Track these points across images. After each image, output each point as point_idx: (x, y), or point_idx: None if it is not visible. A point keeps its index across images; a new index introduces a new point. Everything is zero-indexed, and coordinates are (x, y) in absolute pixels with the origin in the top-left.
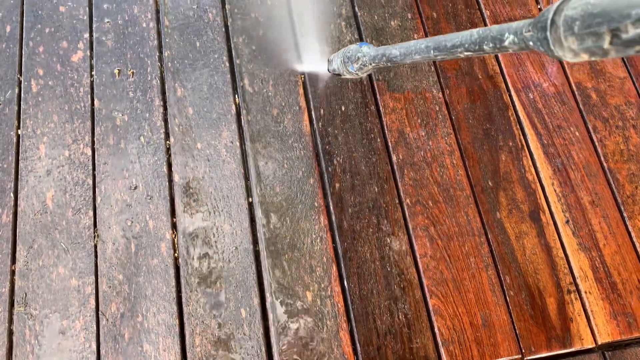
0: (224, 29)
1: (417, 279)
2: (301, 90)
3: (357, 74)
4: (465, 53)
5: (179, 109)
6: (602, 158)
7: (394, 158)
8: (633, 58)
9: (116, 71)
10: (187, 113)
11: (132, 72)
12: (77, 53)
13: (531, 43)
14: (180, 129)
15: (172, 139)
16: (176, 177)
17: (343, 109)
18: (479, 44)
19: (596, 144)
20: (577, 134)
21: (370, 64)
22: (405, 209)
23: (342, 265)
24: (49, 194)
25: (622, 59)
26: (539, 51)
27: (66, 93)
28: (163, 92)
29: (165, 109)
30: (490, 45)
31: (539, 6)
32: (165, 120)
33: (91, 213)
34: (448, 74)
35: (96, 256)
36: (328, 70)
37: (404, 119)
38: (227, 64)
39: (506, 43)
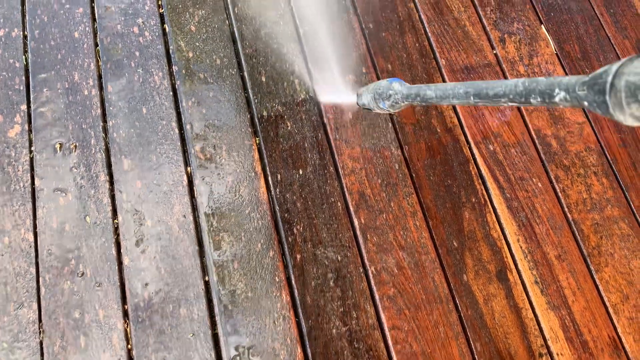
0: (171, 93)
1: (386, 354)
2: (256, 155)
3: (389, 110)
4: (510, 103)
5: (127, 184)
6: (566, 209)
7: (356, 223)
8: None
9: (57, 145)
10: (135, 187)
11: (75, 146)
12: (14, 127)
13: (586, 103)
14: (128, 205)
15: (120, 218)
16: (126, 260)
17: (301, 172)
18: (526, 97)
19: (559, 194)
20: (539, 185)
21: (403, 102)
22: (371, 277)
23: (308, 345)
24: None
25: None
26: (595, 112)
27: (3, 172)
28: (109, 166)
29: (111, 184)
30: (539, 99)
31: (494, 51)
32: (113, 197)
33: (35, 306)
34: (406, 129)
35: (42, 354)
36: (357, 103)
37: (364, 180)
38: (177, 131)
39: (557, 99)
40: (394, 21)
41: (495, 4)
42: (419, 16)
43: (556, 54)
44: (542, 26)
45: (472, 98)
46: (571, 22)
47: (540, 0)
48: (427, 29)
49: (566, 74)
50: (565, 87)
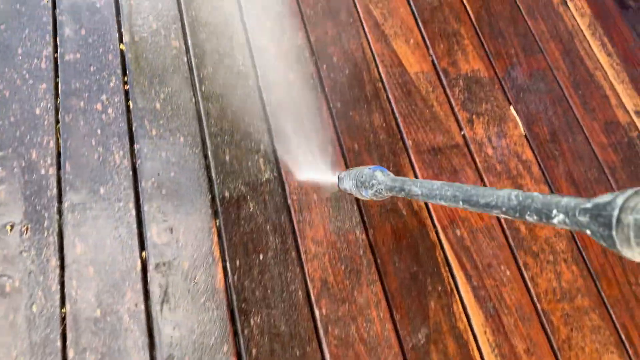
0: (131, 173)
1: None
2: (215, 238)
3: (371, 198)
4: (503, 215)
5: (78, 270)
6: (535, 298)
7: (317, 313)
8: (557, 181)
9: (8, 227)
10: (86, 274)
11: (27, 228)
12: None
13: (589, 231)
14: (77, 293)
15: (68, 306)
16: (71, 354)
17: (261, 257)
18: (520, 212)
19: (528, 283)
20: (508, 273)
21: (387, 193)
22: None
23: None
24: None
25: (548, 184)
26: (600, 243)
27: None
28: (61, 250)
29: (62, 269)
30: (535, 217)
31: (462, 132)
32: (62, 284)
33: None
34: (371, 211)
35: None
36: (338, 186)
37: (327, 266)
38: (134, 213)
39: (555, 221)
40: (362, 100)
41: (464, 84)
42: (387, 96)
43: (525, 135)
44: (511, 107)
45: (460, 202)
46: (540, 103)
47: (510, 81)
48: (394, 108)
49: (535, 156)
50: (564, 209)
